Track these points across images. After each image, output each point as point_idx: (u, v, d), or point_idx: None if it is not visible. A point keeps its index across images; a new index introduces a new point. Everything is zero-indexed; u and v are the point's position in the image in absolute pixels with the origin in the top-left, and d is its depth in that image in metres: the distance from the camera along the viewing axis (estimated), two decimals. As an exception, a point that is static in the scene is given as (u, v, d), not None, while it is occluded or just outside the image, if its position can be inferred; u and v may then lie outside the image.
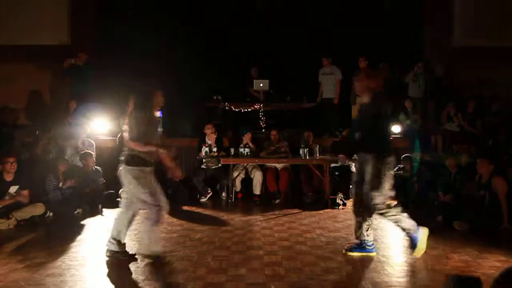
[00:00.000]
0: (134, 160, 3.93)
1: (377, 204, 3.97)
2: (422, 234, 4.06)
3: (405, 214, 4.08)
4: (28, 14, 8.97)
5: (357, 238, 4.17)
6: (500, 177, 5.40)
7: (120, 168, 4.03)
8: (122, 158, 3.99)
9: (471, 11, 9.07)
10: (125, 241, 4.11)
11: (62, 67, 8.50)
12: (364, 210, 4.05)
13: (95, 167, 7.05)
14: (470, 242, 4.57)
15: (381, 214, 4.03)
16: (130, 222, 4.12)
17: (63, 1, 9.20)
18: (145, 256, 3.94)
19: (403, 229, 4.08)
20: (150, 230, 3.91)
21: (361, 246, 4.13)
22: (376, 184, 3.94)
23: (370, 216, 4.08)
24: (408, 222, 4.06)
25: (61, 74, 8.67)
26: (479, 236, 4.84)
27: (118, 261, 3.96)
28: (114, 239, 4.04)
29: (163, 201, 4.00)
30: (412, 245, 4.05)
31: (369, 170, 3.96)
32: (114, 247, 4.03)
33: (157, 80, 9.19)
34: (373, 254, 4.12)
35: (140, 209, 4.13)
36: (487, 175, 5.49)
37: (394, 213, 4.03)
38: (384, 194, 3.99)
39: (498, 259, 4.01)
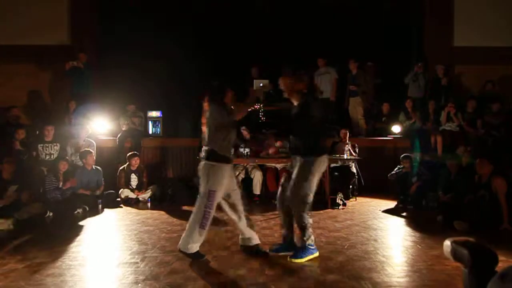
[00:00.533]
0: (213, 156, 3.94)
1: (304, 204, 3.90)
2: (313, 254, 3.99)
3: (311, 231, 4.04)
4: (28, 14, 8.98)
5: (299, 242, 4.04)
6: (500, 177, 5.40)
7: (201, 163, 4.04)
8: (203, 153, 4.03)
9: (471, 11, 9.07)
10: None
11: (63, 68, 8.51)
12: (296, 211, 3.96)
13: (96, 166, 7.05)
14: (470, 242, 4.56)
15: (300, 215, 3.92)
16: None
17: (63, 1, 9.21)
18: (180, 252, 3.94)
19: (303, 237, 3.97)
20: (194, 229, 3.90)
21: (304, 249, 4.00)
22: (303, 185, 3.89)
23: (301, 216, 3.94)
24: (311, 233, 4.01)
25: (62, 75, 8.67)
26: (479, 236, 4.84)
27: (118, 261, 3.96)
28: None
29: (213, 209, 3.97)
30: (297, 254, 3.96)
31: (297, 170, 3.94)
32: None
33: (157, 80, 9.26)
34: (317, 254, 4.04)
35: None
36: (487, 175, 5.49)
37: (309, 220, 3.96)
38: (310, 195, 3.92)
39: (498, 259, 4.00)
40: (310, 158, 3.96)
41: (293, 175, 4.02)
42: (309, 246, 4.01)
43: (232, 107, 4.23)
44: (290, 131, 4.16)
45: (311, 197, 3.96)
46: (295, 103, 4.13)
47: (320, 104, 4.15)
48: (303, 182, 3.92)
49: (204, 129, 4.06)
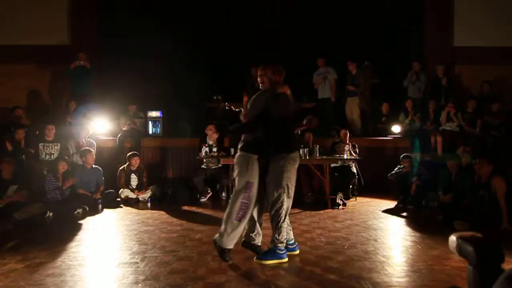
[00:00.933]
0: (247, 146, 3.86)
1: (278, 204, 3.84)
2: (282, 257, 3.88)
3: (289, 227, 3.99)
4: (28, 14, 8.98)
5: (271, 242, 3.94)
6: (500, 177, 5.40)
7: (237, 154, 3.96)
8: (240, 144, 3.96)
9: (471, 11, 9.07)
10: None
11: (63, 68, 8.52)
12: (272, 212, 3.89)
13: (96, 166, 7.05)
14: (470, 242, 4.55)
15: (275, 214, 3.86)
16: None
17: (63, 1, 9.21)
18: (214, 244, 3.85)
19: (277, 237, 3.88)
20: (231, 222, 3.78)
21: (273, 252, 3.89)
22: (276, 184, 3.83)
23: (278, 217, 3.87)
24: (286, 234, 3.93)
25: (65, 75, 8.67)
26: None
27: (118, 261, 3.96)
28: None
29: (254, 199, 3.81)
30: (267, 255, 3.88)
31: (270, 169, 3.86)
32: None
33: (157, 80, 9.26)
34: (285, 260, 3.89)
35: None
36: (487, 175, 5.49)
37: (286, 219, 3.91)
38: (284, 193, 3.85)
39: (498, 259, 4.00)
40: (280, 157, 3.85)
41: (269, 175, 3.90)
42: (279, 249, 3.90)
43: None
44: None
45: (283, 198, 3.86)
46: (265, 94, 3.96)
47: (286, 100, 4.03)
48: (276, 183, 3.85)
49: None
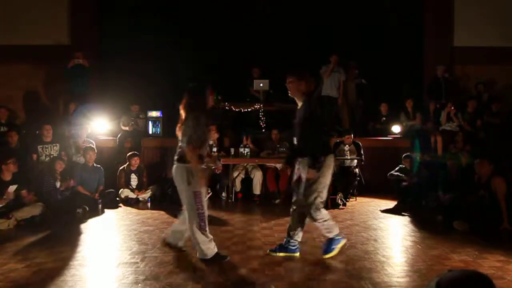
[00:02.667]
0: (186, 158, 3.84)
1: (312, 205, 3.91)
2: (294, 252, 4.09)
3: (332, 222, 4.08)
4: (28, 15, 8.97)
5: (289, 237, 4.10)
6: (500, 177, 5.39)
7: (174, 165, 3.94)
8: (176, 155, 3.93)
9: (471, 11, 9.07)
10: None
11: (62, 68, 8.50)
12: (301, 211, 4.01)
13: (97, 165, 7.05)
14: (470, 242, 4.57)
15: (312, 215, 3.96)
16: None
17: (63, 1, 9.20)
18: (203, 261, 3.90)
19: (296, 234, 4.08)
20: (199, 236, 3.86)
21: (284, 246, 4.09)
22: (311, 186, 3.89)
23: (305, 216, 4.02)
24: (333, 227, 4.07)
25: (62, 75, 8.66)
26: (479, 236, 4.84)
27: (118, 261, 3.96)
28: None
29: (205, 207, 3.91)
30: (327, 248, 4.04)
31: (304, 173, 3.93)
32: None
33: (157, 80, 9.26)
34: (297, 254, 4.09)
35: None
36: (487, 175, 5.49)
37: (325, 218, 4.00)
38: (319, 196, 3.94)
39: (498, 259, 4.01)
40: (317, 161, 3.93)
41: (304, 178, 3.97)
42: (291, 245, 4.07)
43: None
44: (297, 133, 4.10)
45: (318, 200, 3.96)
46: (299, 104, 4.12)
47: (322, 103, 4.15)
48: (312, 186, 3.91)
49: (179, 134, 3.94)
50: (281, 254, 4.09)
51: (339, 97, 8.90)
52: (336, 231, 4.07)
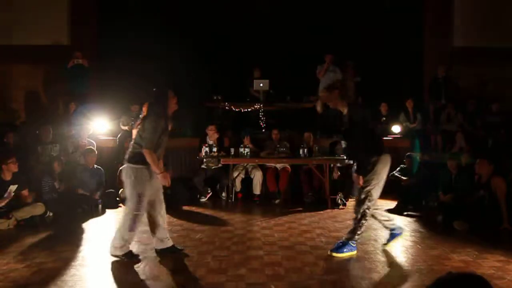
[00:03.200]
0: (136, 158, 3.91)
1: (370, 203, 4.06)
2: (353, 250, 4.15)
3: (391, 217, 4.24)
4: (28, 14, 8.97)
5: (346, 238, 4.19)
6: (500, 177, 5.39)
7: (123, 165, 4.01)
8: (126, 155, 4.00)
9: (471, 11, 9.07)
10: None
11: (63, 66, 8.49)
12: (359, 209, 4.13)
13: (97, 166, 7.05)
14: (470, 242, 4.57)
15: (373, 213, 4.15)
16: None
17: (63, 1, 9.20)
18: (115, 256, 3.95)
19: (357, 232, 4.15)
20: (126, 233, 3.92)
21: (346, 245, 4.15)
22: (368, 184, 4.07)
23: (364, 214, 4.12)
24: (392, 223, 4.23)
25: (63, 74, 8.66)
26: (479, 236, 4.84)
27: (118, 261, 3.96)
28: None
29: (143, 211, 3.97)
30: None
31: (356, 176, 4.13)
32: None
33: (157, 80, 9.25)
34: (355, 252, 4.16)
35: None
36: (487, 175, 5.48)
37: (385, 216, 4.20)
38: (376, 193, 4.09)
39: (498, 259, 4.01)
40: (373, 158, 4.09)
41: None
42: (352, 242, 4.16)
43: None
44: (350, 138, 4.33)
45: (374, 197, 4.12)
46: (344, 112, 4.22)
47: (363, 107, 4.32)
48: (369, 183, 4.10)
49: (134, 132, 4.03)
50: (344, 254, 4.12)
51: None
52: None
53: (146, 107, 4.03)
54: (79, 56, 8.51)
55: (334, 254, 4.08)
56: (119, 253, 3.94)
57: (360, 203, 4.13)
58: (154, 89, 4.17)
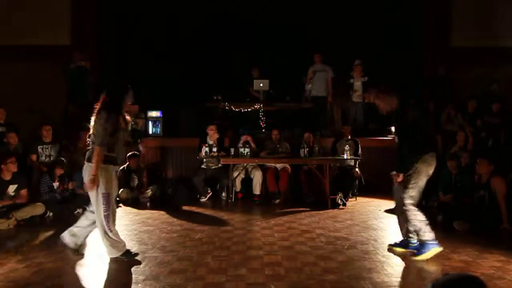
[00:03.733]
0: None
1: (410, 202, 4.09)
2: (436, 246, 4.08)
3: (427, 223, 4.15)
4: (28, 14, 8.97)
5: (418, 240, 4.16)
6: (500, 177, 5.40)
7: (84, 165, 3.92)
8: (86, 154, 3.93)
9: (471, 11, 9.06)
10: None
11: (65, 67, 8.48)
12: (405, 210, 4.13)
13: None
14: (470, 242, 4.56)
15: (411, 212, 4.11)
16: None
17: (63, 1, 9.20)
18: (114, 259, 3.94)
19: (422, 232, 4.10)
20: (103, 235, 3.90)
21: (426, 245, 4.09)
22: (409, 183, 4.10)
23: (411, 211, 4.12)
24: (428, 230, 4.13)
25: (66, 74, 8.65)
26: (479, 236, 4.84)
27: (118, 261, 3.96)
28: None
29: (114, 210, 3.96)
30: (424, 249, 4.07)
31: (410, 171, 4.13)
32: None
33: (157, 80, 9.27)
34: (441, 248, 4.10)
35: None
36: (487, 175, 5.49)
37: (421, 217, 4.12)
38: (416, 192, 4.12)
39: (498, 259, 4.01)
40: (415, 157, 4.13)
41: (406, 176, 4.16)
42: (410, 242, 4.17)
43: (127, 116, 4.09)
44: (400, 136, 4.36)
45: (415, 197, 4.12)
46: (394, 110, 4.31)
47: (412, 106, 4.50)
48: (409, 182, 4.12)
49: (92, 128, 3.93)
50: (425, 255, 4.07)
51: (329, 95, 8.94)
52: (430, 236, 4.08)
53: (101, 101, 3.91)
54: (82, 58, 8.50)
55: (418, 258, 4.02)
56: (117, 253, 3.94)
57: (403, 204, 4.12)
58: (110, 86, 4.04)
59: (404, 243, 4.27)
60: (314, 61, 9.04)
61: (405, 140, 4.19)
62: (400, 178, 4.20)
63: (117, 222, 5.75)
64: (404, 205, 4.08)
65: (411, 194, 4.09)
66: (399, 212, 4.28)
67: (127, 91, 4.06)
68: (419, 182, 4.10)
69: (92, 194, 3.91)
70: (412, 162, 4.09)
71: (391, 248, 4.33)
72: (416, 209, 4.10)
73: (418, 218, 4.07)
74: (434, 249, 4.03)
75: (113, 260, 3.99)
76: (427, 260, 3.98)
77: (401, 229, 4.33)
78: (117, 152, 3.95)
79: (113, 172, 3.97)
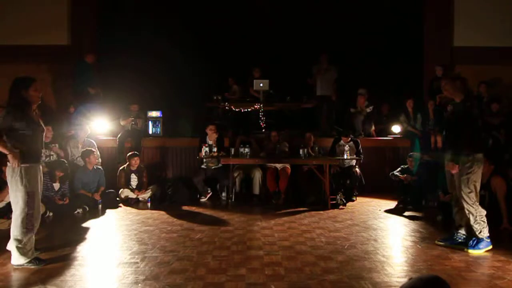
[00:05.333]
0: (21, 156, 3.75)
1: (469, 199, 4.20)
2: (489, 244, 4.25)
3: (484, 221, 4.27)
4: (28, 14, 8.95)
5: (473, 235, 4.29)
6: (500, 177, 5.40)
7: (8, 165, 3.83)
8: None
9: (471, 10, 9.06)
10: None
11: (64, 68, 8.49)
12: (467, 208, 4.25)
13: (97, 166, 7.04)
14: (470, 242, 4.56)
15: (469, 210, 4.23)
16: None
17: (63, 1, 9.19)
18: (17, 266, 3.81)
19: (481, 229, 4.24)
20: (23, 235, 3.81)
21: (482, 241, 4.23)
22: (467, 181, 4.20)
23: (473, 209, 4.23)
24: (487, 227, 4.26)
25: (62, 75, 8.64)
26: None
27: (118, 261, 3.96)
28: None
29: (39, 208, 3.89)
30: (479, 245, 4.22)
31: (461, 168, 4.21)
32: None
33: (157, 80, 9.27)
34: (491, 246, 4.25)
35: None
36: (487, 175, 5.48)
37: (480, 213, 4.24)
38: (474, 189, 4.22)
39: (498, 259, 4.02)
40: (473, 156, 4.21)
41: (460, 173, 4.25)
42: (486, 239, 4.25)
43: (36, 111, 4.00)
44: (454, 128, 4.38)
45: (472, 194, 4.24)
46: (457, 101, 4.42)
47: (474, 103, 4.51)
48: (467, 180, 4.22)
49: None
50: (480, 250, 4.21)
51: (333, 94, 8.94)
52: (487, 233, 4.23)
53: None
54: (91, 58, 8.54)
55: (470, 251, 4.19)
56: (23, 261, 3.79)
57: (463, 199, 4.24)
58: (17, 79, 3.93)
59: (453, 239, 4.43)
60: (319, 61, 9.01)
61: (463, 134, 4.21)
62: (455, 170, 4.26)
63: (117, 222, 5.81)
64: (466, 202, 4.22)
65: (473, 190, 4.21)
66: (458, 207, 4.39)
67: (31, 86, 3.91)
68: (478, 180, 4.25)
69: (13, 193, 3.80)
70: (467, 156, 4.17)
71: (439, 244, 4.44)
72: (479, 206, 4.26)
73: (481, 214, 4.23)
74: (488, 247, 4.22)
75: (113, 260, 3.98)
76: (426, 261, 3.98)
77: (456, 222, 4.46)
78: (37, 150, 3.88)
79: (37, 168, 3.87)
